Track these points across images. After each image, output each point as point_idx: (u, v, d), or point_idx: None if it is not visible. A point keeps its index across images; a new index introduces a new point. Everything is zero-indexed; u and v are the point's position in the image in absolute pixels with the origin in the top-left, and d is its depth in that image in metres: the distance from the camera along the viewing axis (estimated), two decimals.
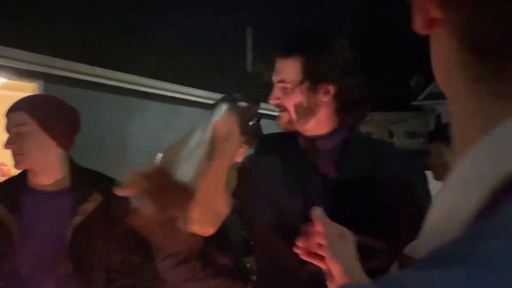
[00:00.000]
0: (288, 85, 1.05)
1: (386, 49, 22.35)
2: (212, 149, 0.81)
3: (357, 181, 1.04)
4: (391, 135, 17.26)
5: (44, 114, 1.31)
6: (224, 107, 0.87)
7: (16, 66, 4.77)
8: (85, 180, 1.39)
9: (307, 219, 1.03)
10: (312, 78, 1.03)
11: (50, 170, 1.35)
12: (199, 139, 0.81)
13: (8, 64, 4.70)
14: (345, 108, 1.07)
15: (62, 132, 1.35)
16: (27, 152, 1.30)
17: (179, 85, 6.65)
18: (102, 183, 1.39)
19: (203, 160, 0.79)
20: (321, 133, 1.09)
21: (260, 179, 1.14)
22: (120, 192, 0.73)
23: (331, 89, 1.04)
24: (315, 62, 1.03)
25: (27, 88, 5.41)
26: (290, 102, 1.06)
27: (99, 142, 5.26)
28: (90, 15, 7.77)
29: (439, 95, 16.16)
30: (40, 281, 1.27)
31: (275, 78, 1.09)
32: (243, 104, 0.89)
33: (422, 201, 1.04)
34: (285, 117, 1.08)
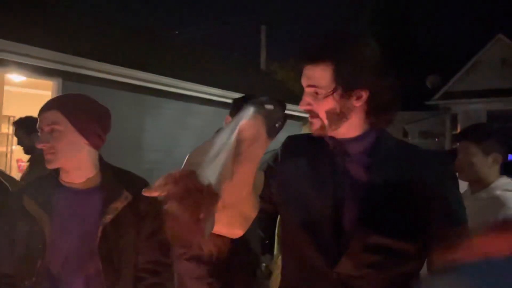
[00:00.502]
0: (321, 91, 1.03)
1: (402, 48, 22.07)
2: (239, 152, 0.82)
3: (387, 185, 1.03)
4: (405, 134, 17.07)
5: (77, 113, 1.34)
6: (251, 110, 0.86)
7: (34, 64, 4.86)
8: (115, 179, 1.41)
9: (336, 222, 1.04)
10: (345, 84, 1.01)
11: (81, 168, 1.38)
12: (225, 141, 0.82)
13: (27, 62, 4.80)
14: (377, 111, 1.06)
15: (94, 131, 1.37)
16: (59, 151, 1.31)
17: (193, 83, 6.68)
18: (132, 182, 1.41)
19: (229, 163, 0.79)
20: (351, 136, 1.08)
21: (289, 180, 1.13)
22: (148, 193, 0.76)
23: (364, 94, 1.03)
24: (347, 68, 1.01)
25: (46, 86, 5.52)
26: (322, 109, 1.04)
27: (116, 140, 5.33)
28: (108, 14, 7.87)
29: (455, 95, 15.74)
30: (70, 278, 1.29)
31: (305, 83, 1.07)
32: (270, 107, 0.89)
33: (454, 206, 1.04)
34: (317, 123, 1.07)
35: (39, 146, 1.32)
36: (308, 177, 1.10)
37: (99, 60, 5.43)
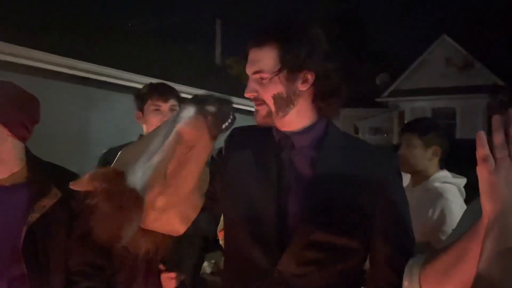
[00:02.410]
0: (266, 75, 1.00)
1: (353, 47, 22.75)
2: (178, 155, 0.80)
3: (333, 180, 1.01)
4: (356, 130, 17.63)
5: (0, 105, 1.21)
6: (191, 111, 0.83)
7: None
8: (43, 174, 1.29)
9: (280, 218, 1.00)
10: (291, 66, 0.99)
11: (4, 162, 1.24)
12: (159, 143, 0.79)
13: None
14: (324, 96, 1.04)
15: (18, 120, 1.24)
16: None
17: (144, 76, 6.49)
18: (62, 177, 1.27)
19: (162, 166, 0.78)
20: (297, 128, 1.05)
21: (232, 175, 1.09)
22: (74, 186, 0.75)
23: (310, 76, 1.01)
24: (292, 49, 0.99)
25: None
26: (269, 93, 1.01)
27: (60, 135, 5.07)
28: (55, 1, 7.45)
29: (402, 93, 16.54)
30: None
31: (250, 70, 1.04)
32: (212, 108, 0.85)
33: (398, 201, 1.04)
34: (263, 110, 1.03)
35: None
36: (252, 171, 1.06)
37: (39, 49, 5.12)
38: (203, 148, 0.86)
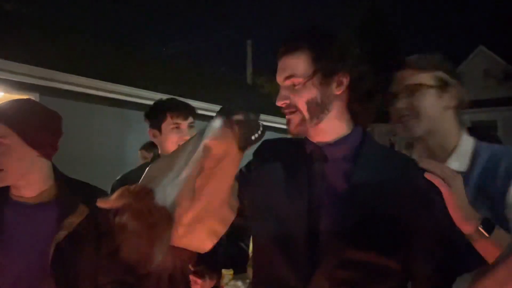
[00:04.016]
0: (299, 80, 0.97)
1: (385, 60, 22.43)
2: (206, 169, 0.78)
3: (369, 193, 0.94)
4: (392, 146, 17.23)
5: (24, 124, 1.21)
6: (218, 123, 0.81)
7: (11, 78, 4.75)
8: (70, 191, 1.29)
9: (311, 235, 0.95)
10: (325, 68, 0.96)
11: (34, 182, 1.26)
12: (187, 158, 0.77)
13: (3, 77, 4.69)
14: (359, 100, 1.00)
15: (45, 140, 1.25)
16: (9, 168, 1.20)
17: (178, 97, 6.63)
18: (90, 194, 1.27)
19: (191, 182, 0.76)
20: (331, 138, 1.01)
21: (261, 190, 1.04)
22: (102, 203, 0.74)
23: (345, 79, 0.97)
24: (325, 52, 0.96)
25: None
26: (302, 99, 0.97)
27: (96, 155, 5.22)
28: (87, 27, 7.80)
29: None
30: None
31: (281, 76, 1.00)
32: (239, 117, 0.83)
33: (440, 217, 0.96)
34: (295, 118, 0.99)
35: None
36: (282, 185, 1.01)
37: (78, 74, 5.33)
38: (231, 161, 0.83)
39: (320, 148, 1.01)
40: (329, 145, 1.00)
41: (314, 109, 0.97)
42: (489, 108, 15.05)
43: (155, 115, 1.84)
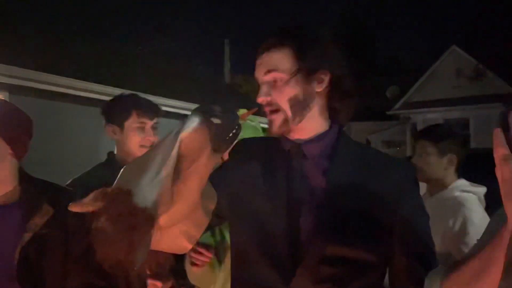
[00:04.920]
0: (281, 76, 0.96)
1: (362, 62, 22.76)
2: (180, 169, 0.76)
3: (347, 190, 0.95)
4: (368, 144, 17.48)
5: (3, 121, 1.18)
6: (195, 122, 0.79)
7: None
8: (36, 191, 1.23)
9: (292, 233, 0.95)
10: (307, 66, 0.96)
11: (0, 181, 1.21)
12: (164, 157, 0.75)
13: None
14: (339, 97, 1.01)
15: (20, 138, 1.22)
16: None
17: (155, 96, 6.55)
18: (56, 194, 1.24)
19: (169, 183, 0.73)
20: (309, 135, 1.01)
21: (238, 190, 1.04)
22: (74, 208, 0.70)
23: (325, 77, 0.98)
24: (308, 50, 0.96)
25: None
26: (284, 97, 0.96)
27: (69, 155, 5.10)
28: (60, 24, 7.60)
29: (414, 105, 16.42)
30: None
31: (261, 72, 0.99)
32: (217, 120, 0.81)
33: (417, 211, 0.99)
34: (278, 118, 0.98)
35: None
36: (259, 184, 1.00)
37: (50, 72, 5.19)
38: (206, 162, 0.80)
39: (298, 145, 1.01)
40: (307, 141, 1.00)
41: (297, 107, 0.97)
42: (462, 106, 15.45)
43: (118, 111, 1.70)
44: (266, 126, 1.05)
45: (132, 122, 1.68)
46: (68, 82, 5.39)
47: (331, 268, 0.93)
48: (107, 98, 6.34)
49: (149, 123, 1.70)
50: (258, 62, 1.00)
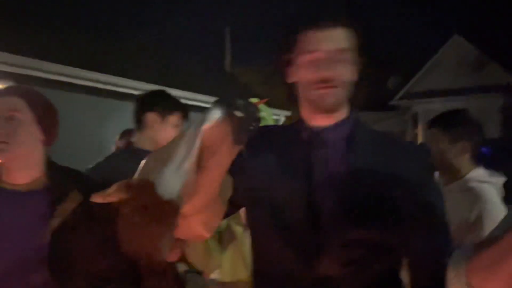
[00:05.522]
0: (349, 55, 0.98)
1: (363, 52, 22.61)
2: (202, 161, 0.76)
3: (367, 174, 0.96)
4: None
5: (39, 104, 1.24)
6: (218, 114, 0.78)
7: None
8: (62, 178, 1.27)
9: (313, 219, 0.95)
10: (359, 50, 1.00)
11: (29, 167, 1.24)
12: (188, 148, 0.75)
13: None
14: (359, 83, 1.02)
15: (52, 127, 1.28)
16: (14, 141, 1.18)
17: (156, 85, 6.54)
18: (82, 181, 1.28)
19: (192, 174, 0.73)
20: (332, 122, 1.02)
21: (256, 178, 1.03)
22: (98, 198, 0.70)
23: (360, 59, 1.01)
24: (362, 31, 1.00)
25: None
26: (344, 74, 0.98)
27: (73, 144, 5.12)
28: (63, 13, 7.57)
29: (415, 95, 16.35)
30: None
31: (326, 47, 0.96)
32: (238, 112, 0.80)
33: (434, 195, 1.00)
34: (334, 93, 0.98)
35: None
36: (279, 170, 1.01)
37: (54, 61, 5.19)
38: (226, 154, 0.81)
39: (318, 131, 1.02)
40: (327, 128, 1.02)
41: (349, 86, 1.00)
42: (463, 97, 15.41)
43: (169, 104, 1.87)
44: (276, 117, 1.05)
45: (174, 119, 1.85)
46: (72, 72, 5.39)
47: (353, 251, 0.95)
48: (111, 88, 6.34)
49: (181, 126, 1.88)
50: (320, 36, 0.98)
